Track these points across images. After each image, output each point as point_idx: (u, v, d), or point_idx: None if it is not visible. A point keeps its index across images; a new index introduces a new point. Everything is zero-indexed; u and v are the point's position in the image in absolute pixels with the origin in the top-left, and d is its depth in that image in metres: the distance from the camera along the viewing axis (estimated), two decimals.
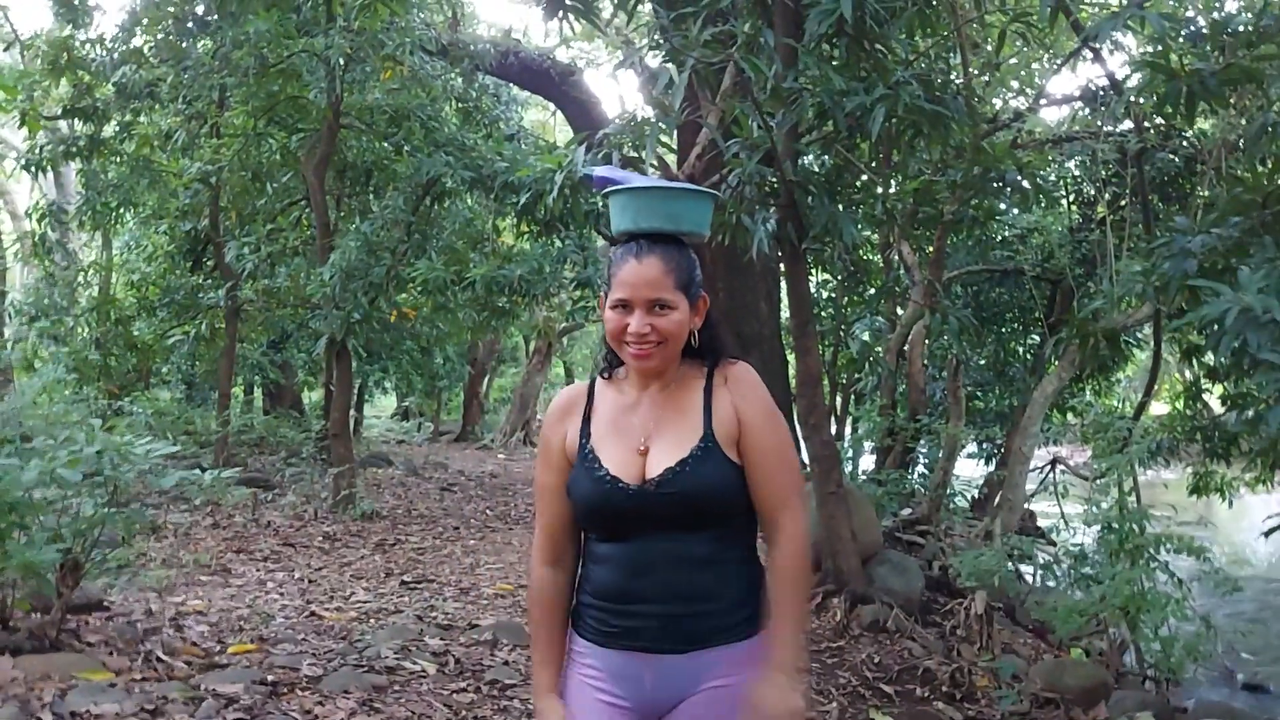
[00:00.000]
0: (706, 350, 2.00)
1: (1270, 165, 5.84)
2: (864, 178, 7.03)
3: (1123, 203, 9.45)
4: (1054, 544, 9.57)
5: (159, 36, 9.91)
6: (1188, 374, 10.88)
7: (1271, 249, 4.71)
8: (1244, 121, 8.03)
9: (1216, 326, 4.01)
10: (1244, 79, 5.24)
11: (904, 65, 5.15)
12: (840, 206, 5.44)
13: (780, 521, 1.93)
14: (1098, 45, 6.77)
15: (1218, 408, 10.57)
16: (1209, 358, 10.31)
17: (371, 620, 5.12)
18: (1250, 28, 5.31)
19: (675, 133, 6.99)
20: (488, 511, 10.44)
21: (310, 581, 6.21)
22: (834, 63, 4.91)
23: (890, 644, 5.16)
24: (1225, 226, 4.95)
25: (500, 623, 5.07)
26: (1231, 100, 6.20)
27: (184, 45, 9.67)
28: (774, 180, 5.00)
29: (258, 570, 6.50)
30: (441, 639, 4.72)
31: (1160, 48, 7.49)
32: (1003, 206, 7.91)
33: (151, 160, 11.39)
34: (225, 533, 7.76)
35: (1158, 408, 12.49)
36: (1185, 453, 9.64)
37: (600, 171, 2.12)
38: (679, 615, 1.88)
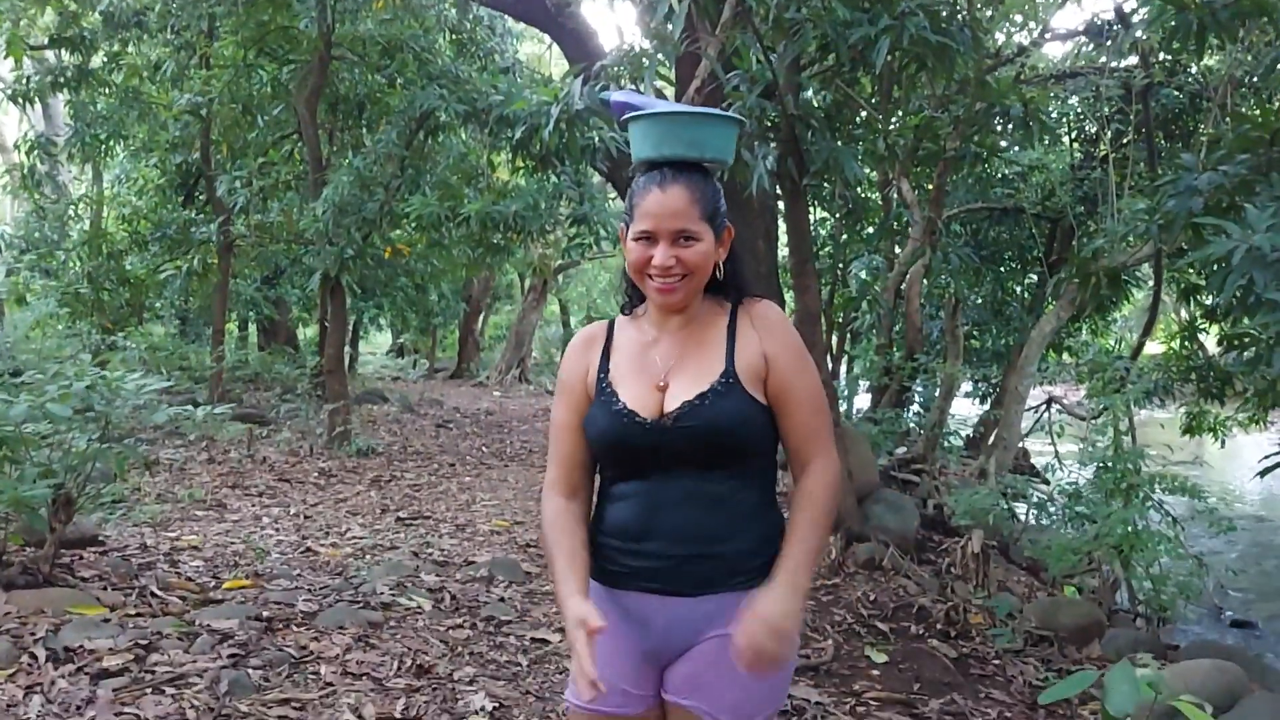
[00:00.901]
0: (730, 284, 1.94)
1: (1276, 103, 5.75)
2: (864, 114, 6.93)
3: (1125, 140, 9.34)
4: (1048, 483, 9.62)
5: None
6: (1184, 314, 10.88)
7: (1279, 186, 4.63)
8: (1250, 58, 7.92)
9: (1221, 265, 3.96)
10: (1256, 12, 5.14)
11: None
12: (840, 142, 5.34)
13: (811, 459, 1.89)
14: None
15: (1213, 348, 10.59)
16: (1207, 298, 10.31)
17: (367, 556, 5.11)
18: None
19: (673, 65, 6.85)
20: (483, 449, 10.45)
21: (306, 517, 6.21)
22: None
23: (885, 582, 5.17)
24: (1232, 164, 4.87)
25: (496, 559, 5.07)
26: (1241, 34, 6.07)
27: None
28: (774, 115, 4.90)
29: (253, 506, 6.49)
30: (437, 575, 4.72)
31: None
32: (1004, 144, 7.80)
33: (140, 91, 11.25)
34: (220, 468, 7.75)
35: (1153, 347, 12.51)
36: (1180, 392, 9.67)
37: (619, 96, 1.99)
38: (692, 556, 1.83)
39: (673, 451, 1.83)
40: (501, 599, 4.45)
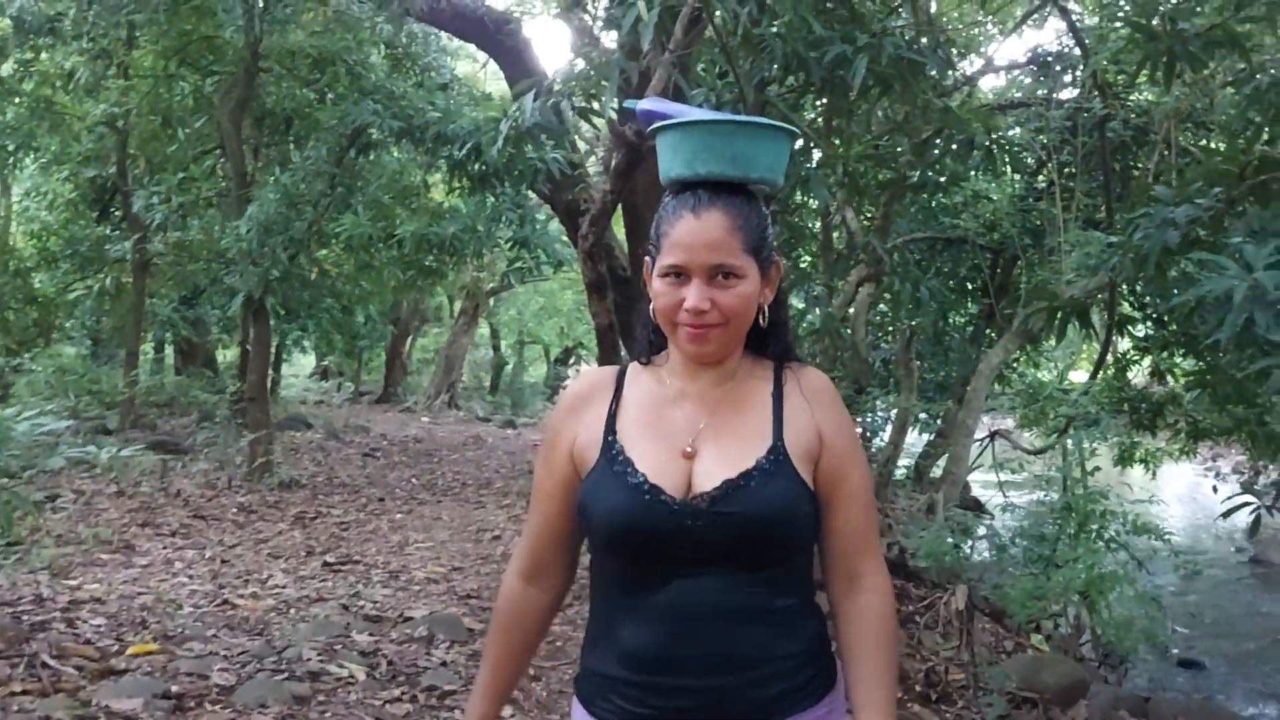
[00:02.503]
0: (773, 337, 1.59)
1: (1247, 136, 5.64)
2: (814, 138, 6.71)
3: (1069, 170, 9.29)
4: (993, 516, 9.49)
5: None
6: (1123, 345, 10.91)
7: (1255, 221, 4.49)
8: (1189, 91, 7.90)
9: (1218, 303, 3.76)
10: (1227, 43, 5.03)
11: (883, 15, 4.79)
12: (807, 167, 5.08)
13: (862, 570, 1.54)
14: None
15: (1141, 380, 10.63)
16: (1140, 329, 10.36)
17: (291, 611, 4.66)
18: None
19: (636, 81, 6.56)
20: (414, 480, 9.99)
21: (223, 562, 5.73)
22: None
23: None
24: (1206, 198, 4.73)
25: (435, 614, 4.66)
26: (1211, 66, 5.99)
27: None
28: None
29: (164, 548, 5.99)
30: (371, 634, 4.29)
31: (1112, 10, 7.27)
32: (962, 172, 7.64)
33: (53, 101, 10.67)
34: (130, 503, 7.20)
35: (1076, 376, 12.55)
36: (1113, 424, 9.64)
37: (646, 104, 1.65)
38: (738, 686, 1.46)
39: (705, 545, 1.45)
40: (444, 663, 4.04)
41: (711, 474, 1.47)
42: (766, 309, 1.56)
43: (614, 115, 5.73)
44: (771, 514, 1.45)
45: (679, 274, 1.47)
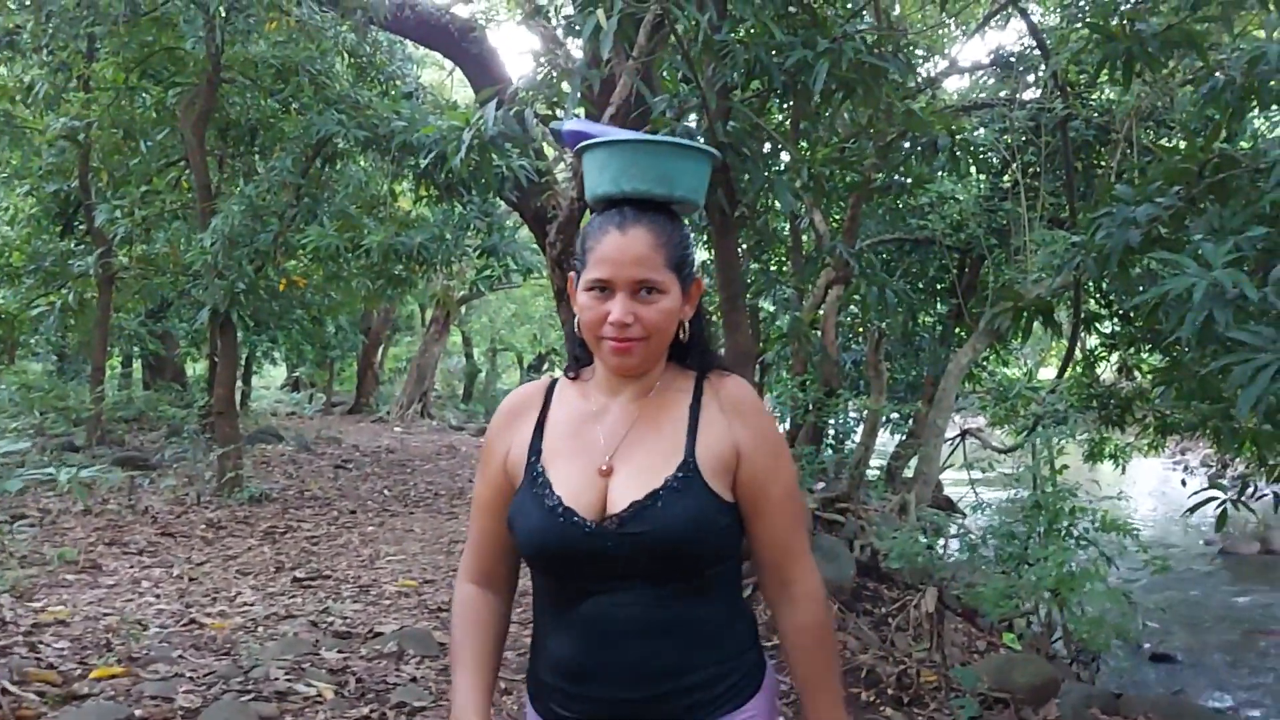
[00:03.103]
0: (695, 349, 1.63)
1: (1206, 133, 5.70)
2: (771, 144, 6.72)
3: (1033, 170, 9.35)
4: (965, 515, 9.53)
5: None
6: (1091, 342, 11.00)
7: (1215, 219, 4.53)
8: (1149, 90, 7.98)
9: (1178, 301, 3.79)
10: (1184, 42, 5.07)
11: (844, 20, 4.80)
12: (769, 172, 5.07)
13: (792, 575, 1.58)
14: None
15: (1109, 376, 10.72)
16: (1106, 326, 10.45)
17: (259, 629, 4.60)
18: None
19: (597, 90, 6.56)
20: (385, 492, 9.92)
21: (190, 580, 5.65)
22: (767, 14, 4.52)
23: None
24: (1166, 196, 4.77)
25: (406, 629, 4.61)
26: (1169, 66, 6.05)
27: None
28: (704, 141, 4.60)
29: (131, 567, 5.91)
30: (339, 651, 4.24)
31: (1073, 11, 7.33)
32: (929, 172, 7.68)
33: (12, 115, 10.51)
34: (98, 521, 7.12)
35: (1046, 373, 12.65)
36: (1081, 420, 9.71)
37: (571, 125, 1.69)
38: (648, 699, 1.51)
39: (620, 563, 1.49)
40: (413, 678, 3.99)
41: (624, 493, 1.51)
42: (687, 324, 1.60)
43: (576, 122, 5.72)
44: (678, 533, 1.48)
45: (604, 288, 1.51)
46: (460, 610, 1.66)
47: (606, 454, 1.55)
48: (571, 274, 1.59)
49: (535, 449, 1.58)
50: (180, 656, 4.04)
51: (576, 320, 1.57)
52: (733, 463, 1.54)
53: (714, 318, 6.43)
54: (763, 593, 1.62)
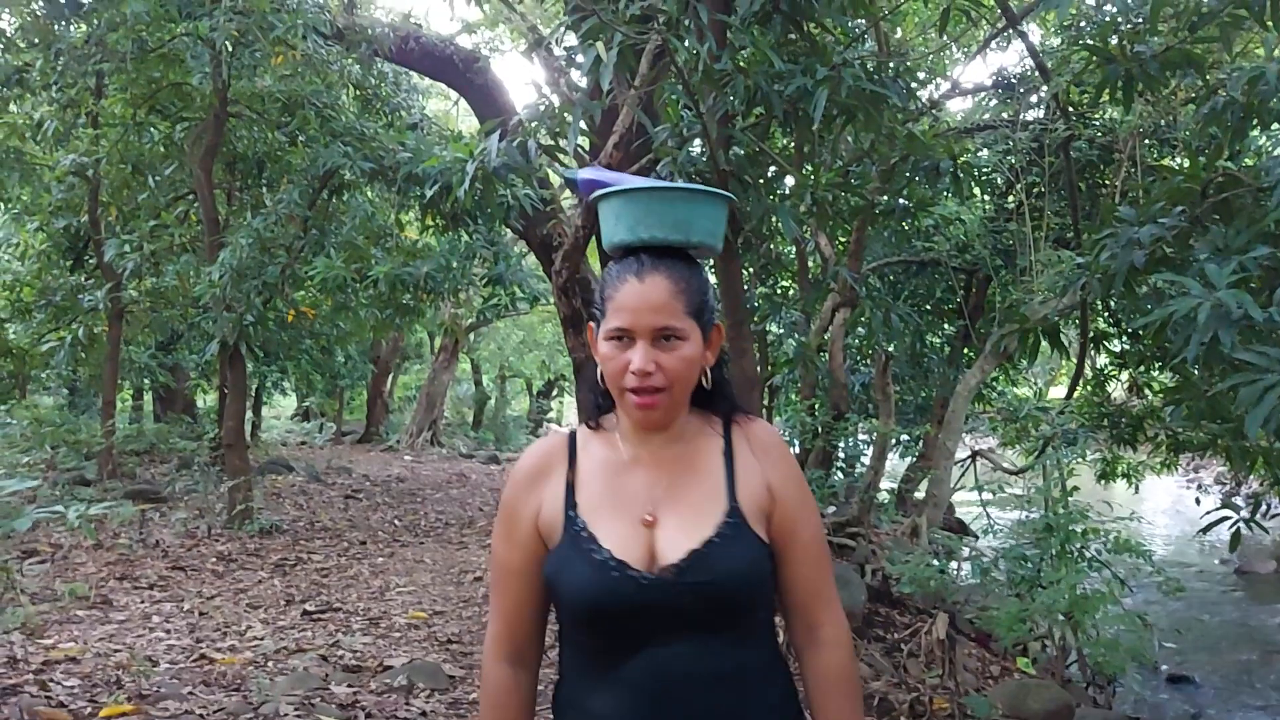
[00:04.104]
0: (718, 395, 1.61)
1: (1208, 153, 5.70)
2: (774, 169, 6.74)
3: (1037, 190, 9.36)
4: (977, 538, 9.48)
5: (27, 18, 9.13)
6: (1101, 361, 10.97)
7: (1219, 239, 4.52)
8: (1153, 110, 7.99)
9: (1183, 322, 3.78)
10: (1184, 63, 5.08)
11: (843, 46, 4.83)
12: (773, 198, 5.10)
13: (819, 620, 1.57)
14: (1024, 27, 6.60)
15: (1121, 395, 10.68)
16: (1115, 345, 10.42)
17: (269, 664, 4.59)
18: (1190, 10, 5.14)
19: (598, 120, 6.60)
20: (396, 522, 9.91)
21: (201, 614, 5.65)
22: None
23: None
24: (1170, 216, 4.77)
25: (415, 662, 4.59)
26: (1170, 86, 6.06)
27: (55, 27, 8.92)
28: (706, 170, 4.62)
29: (142, 601, 5.90)
30: (349, 685, 4.23)
31: (1074, 33, 7.35)
32: (932, 195, 7.70)
33: (22, 152, 10.60)
34: (109, 555, 7.12)
35: (1056, 392, 12.61)
36: (1093, 439, 9.67)
37: (586, 173, 1.69)
38: None
39: (674, 615, 1.46)
40: (423, 713, 3.98)
41: (675, 543, 1.48)
42: (709, 371, 1.59)
43: (582, 151, 5.76)
44: (738, 579, 1.47)
45: (623, 337, 1.50)
46: (494, 697, 1.61)
47: (648, 505, 1.52)
48: (591, 324, 1.58)
49: (571, 504, 1.55)
50: (190, 693, 4.04)
51: (599, 370, 1.56)
52: (769, 506, 1.54)
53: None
54: (789, 634, 1.62)
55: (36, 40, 9.03)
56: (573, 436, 1.64)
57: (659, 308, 1.48)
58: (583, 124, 4.62)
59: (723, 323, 1.58)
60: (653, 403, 1.49)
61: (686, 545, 1.47)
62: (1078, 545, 5.94)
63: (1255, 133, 6.40)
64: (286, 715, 3.77)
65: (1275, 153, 7.77)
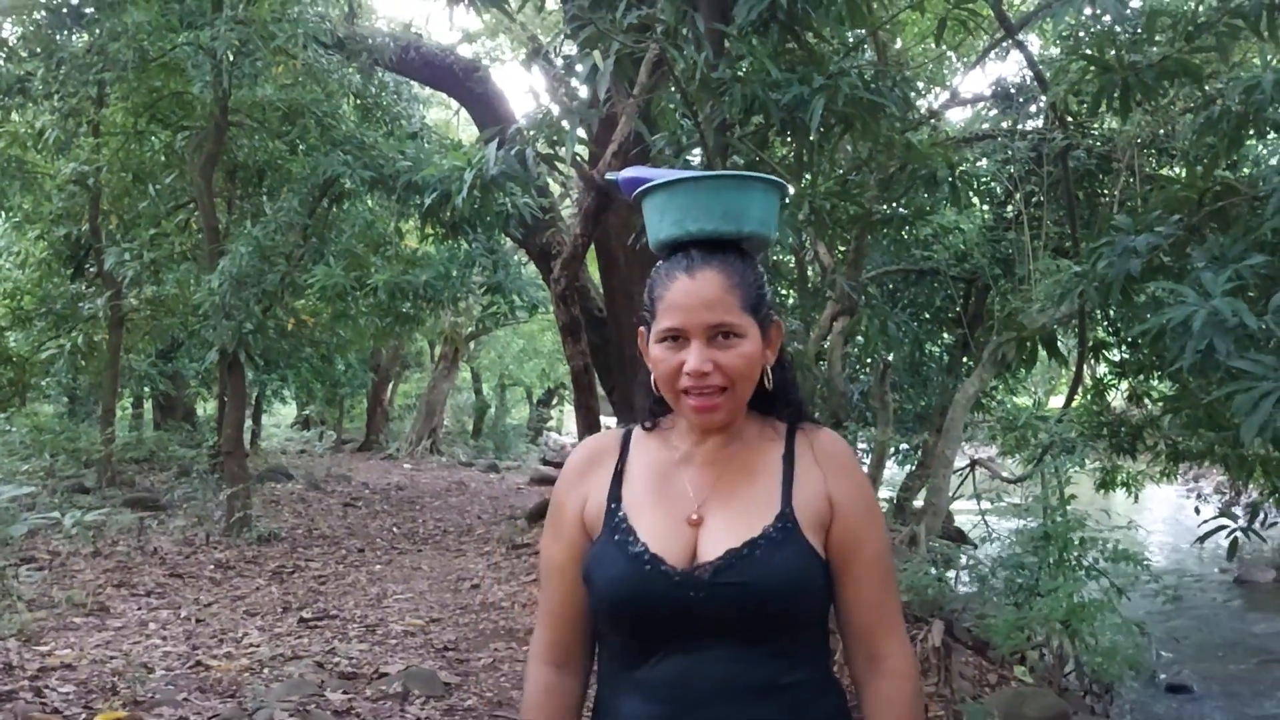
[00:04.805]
0: (782, 398, 1.51)
1: (1205, 162, 5.71)
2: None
3: (1036, 199, 9.38)
4: (975, 546, 9.47)
5: (29, 27, 9.16)
6: (1099, 370, 10.97)
7: (1215, 248, 4.54)
8: (1151, 118, 8.01)
9: (1178, 330, 3.79)
10: (1181, 73, 5.11)
11: (841, 56, 4.85)
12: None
13: (884, 650, 1.45)
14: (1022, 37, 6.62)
15: (1121, 404, 10.67)
16: (1115, 354, 10.43)
17: (265, 670, 4.60)
18: (1186, 20, 5.17)
19: (595, 129, 6.63)
20: (394, 529, 9.91)
21: (198, 621, 5.65)
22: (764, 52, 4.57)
23: (839, 675, 4.81)
24: (1167, 225, 4.79)
25: (411, 669, 4.60)
26: (1168, 95, 6.07)
27: (57, 37, 8.96)
28: None
29: (139, 608, 5.91)
30: (344, 692, 4.23)
31: (1072, 43, 7.37)
32: (931, 204, 7.72)
33: (24, 160, 10.64)
34: (107, 563, 7.11)
35: (1056, 401, 12.60)
36: (1091, 448, 9.67)
37: (628, 172, 1.60)
38: None
39: (708, 618, 1.38)
40: (418, 719, 3.99)
41: (717, 542, 1.40)
42: (770, 371, 1.48)
43: (580, 160, 5.77)
44: (777, 585, 1.37)
45: (677, 337, 1.41)
46: (534, 697, 1.54)
47: (695, 503, 1.44)
48: (641, 329, 1.50)
49: (615, 496, 1.48)
50: (185, 699, 4.04)
51: (652, 376, 1.47)
52: (827, 518, 1.44)
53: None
54: (849, 664, 1.50)
55: (39, 49, 9.07)
56: (628, 433, 1.57)
57: (713, 304, 1.40)
58: (581, 132, 4.64)
59: (783, 319, 1.50)
60: (713, 405, 1.41)
61: (726, 545, 1.39)
62: (1075, 554, 5.94)
63: (1252, 142, 6.42)
64: None
65: (1272, 162, 7.79)
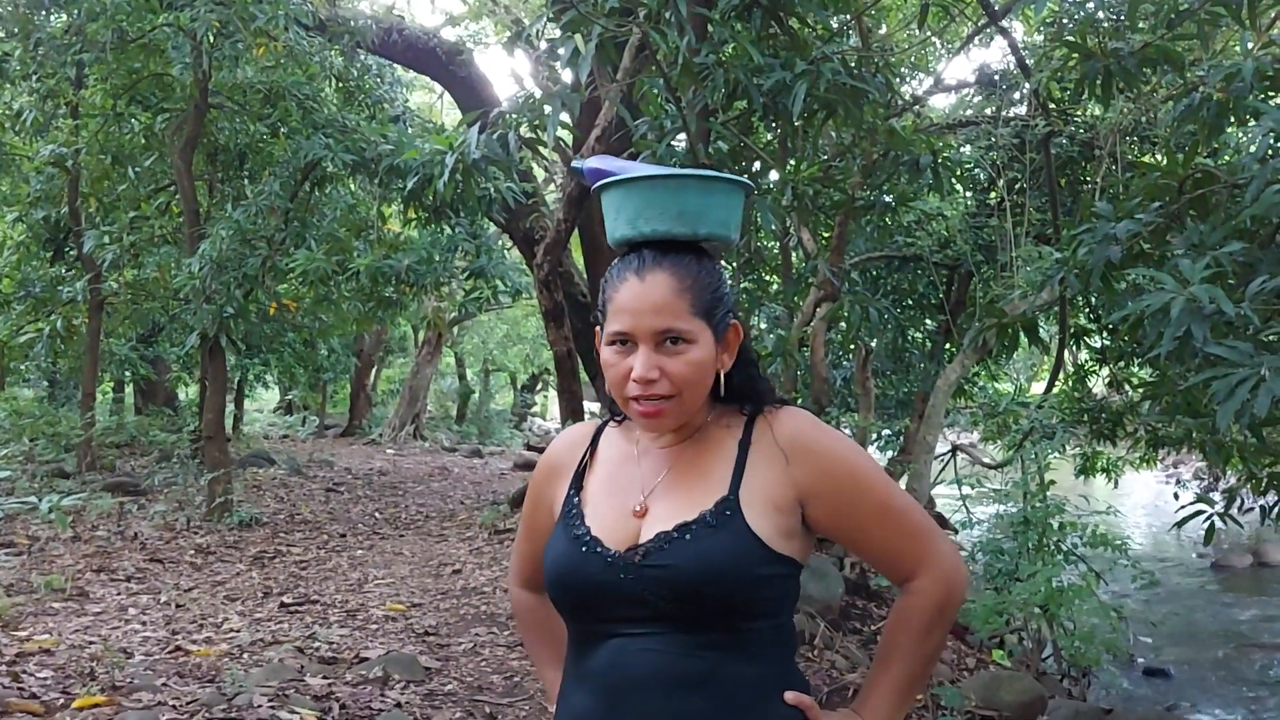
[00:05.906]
0: (742, 398, 1.48)
1: (1186, 149, 5.74)
2: (758, 163, 6.77)
3: (1018, 186, 9.41)
4: (956, 531, 9.53)
5: (5, 7, 9.06)
6: (1081, 356, 11.04)
7: (1195, 235, 4.56)
8: (1133, 106, 8.04)
9: (1156, 317, 3.81)
10: (1162, 60, 5.12)
11: (824, 41, 4.84)
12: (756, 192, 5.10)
13: (910, 573, 1.44)
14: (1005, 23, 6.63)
15: (1101, 390, 10.74)
16: (1096, 340, 10.49)
17: (245, 655, 4.58)
18: (1168, 7, 5.18)
19: (577, 113, 6.60)
20: (376, 514, 9.89)
21: (178, 606, 5.63)
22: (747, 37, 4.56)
23: (816, 659, 4.84)
24: (1146, 212, 4.81)
25: (392, 654, 4.59)
26: (1150, 83, 6.09)
27: (35, 17, 8.86)
28: (687, 163, 4.63)
29: (119, 594, 5.88)
30: (324, 677, 4.22)
31: (1055, 30, 7.39)
32: (914, 190, 7.74)
33: (1, 142, 10.54)
34: (86, 548, 7.07)
35: (1038, 388, 12.68)
36: (1072, 434, 9.74)
37: (592, 162, 1.55)
38: None
39: (639, 602, 1.36)
40: (398, 704, 3.98)
41: (653, 529, 1.39)
42: (725, 374, 1.45)
43: (563, 144, 5.75)
44: (703, 572, 1.34)
45: (625, 341, 1.39)
46: (523, 614, 1.71)
47: (643, 494, 1.44)
48: (596, 329, 1.47)
49: (576, 485, 1.51)
50: (164, 684, 4.02)
51: (605, 378, 1.46)
52: (791, 508, 1.40)
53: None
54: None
55: (16, 30, 8.97)
56: (603, 425, 1.59)
57: (661, 309, 1.36)
58: (564, 117, 4.62)
59: (741, 321, 1.48)
60: (658, 411, 1.38)
61: (659, 528, 1.38)
62: (1055, 539, 5.99)
63: (1232, 130, 6.44)
64: (260, 706, 3.76)
65: (1251, 150, 7.82)
